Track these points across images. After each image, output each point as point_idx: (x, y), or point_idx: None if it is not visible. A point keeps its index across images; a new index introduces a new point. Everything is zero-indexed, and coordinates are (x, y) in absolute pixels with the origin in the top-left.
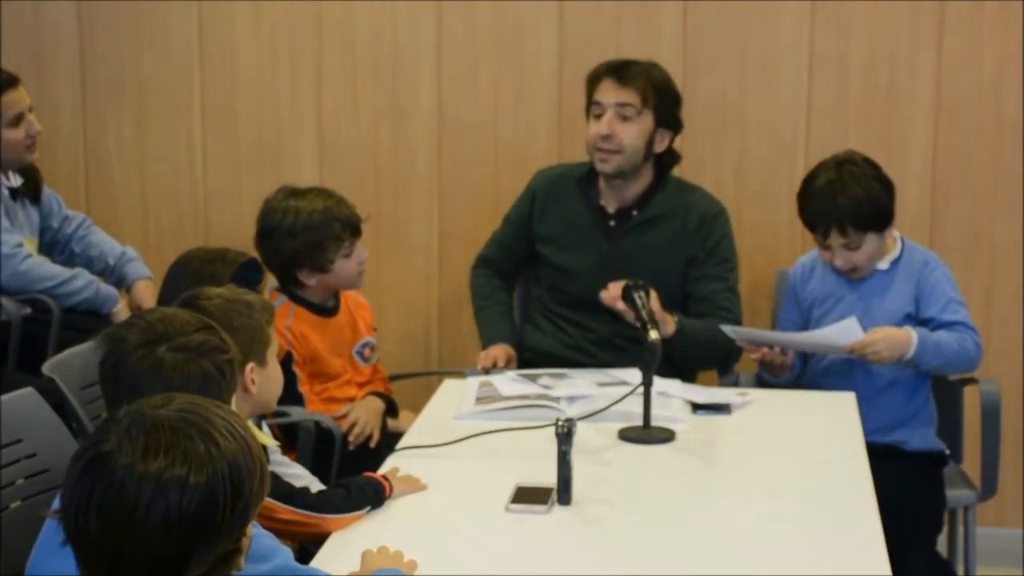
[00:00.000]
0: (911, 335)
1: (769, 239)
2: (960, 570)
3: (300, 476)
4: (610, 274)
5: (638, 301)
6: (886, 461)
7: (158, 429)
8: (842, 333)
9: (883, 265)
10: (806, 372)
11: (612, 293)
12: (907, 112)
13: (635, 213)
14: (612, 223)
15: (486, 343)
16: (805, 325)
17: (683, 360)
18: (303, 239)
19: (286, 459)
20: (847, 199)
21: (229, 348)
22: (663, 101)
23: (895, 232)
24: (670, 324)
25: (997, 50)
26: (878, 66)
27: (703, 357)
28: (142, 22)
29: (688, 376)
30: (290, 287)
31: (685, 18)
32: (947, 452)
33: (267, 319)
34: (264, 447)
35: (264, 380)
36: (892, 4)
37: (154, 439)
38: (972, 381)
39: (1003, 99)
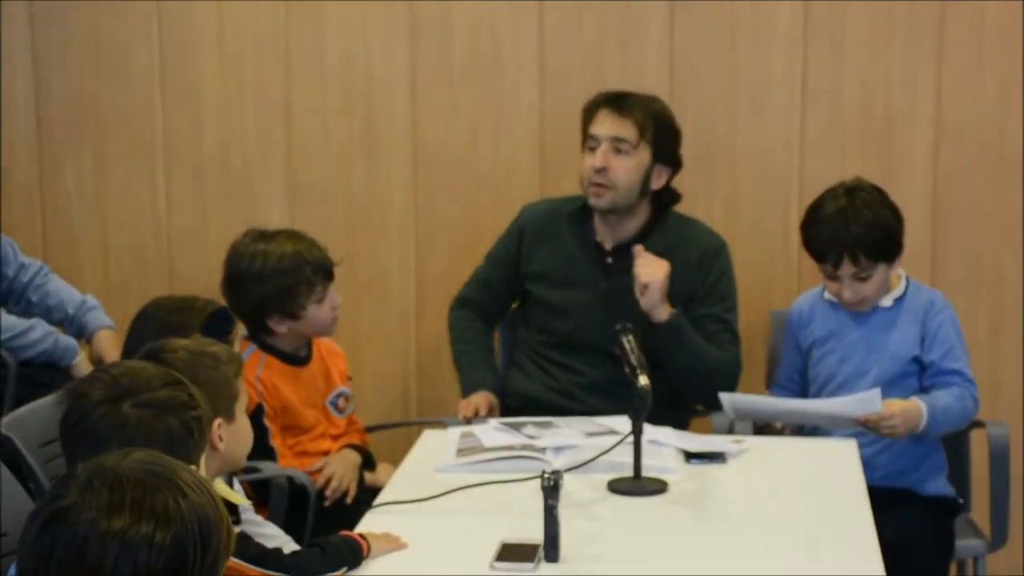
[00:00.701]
0: (922, 409)
1: (763, 278)
2: None
3: (273, 536)
4: (607, 312)
5: (626, 345)
6: (897, 506)
7: (121, 482)
8: (861, 404)
9: (886, 302)
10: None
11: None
12: (906, 140)
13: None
14: (609, 260)
15: (467, 391)
16: (804, 367)
17: (666, 361)
18: (273, 284)
19: (259, 518)
20: (860, 227)
21: (198, 404)
22: (661, 136)
23: (900, 270)
24: (665, 312)
25: (999, 74)
26: (875, 93)
27: (687, 370)
28: (101, 55)
29: (680, 419)
30: (260, 335)
31: (671, 46)
32: (960, 501)
33: (235, 371)
34: (235, 506)
35: (232, 436)
36: (889, 28)
37: (118, 493)
38: (979, 424)
39: (1006, 124)
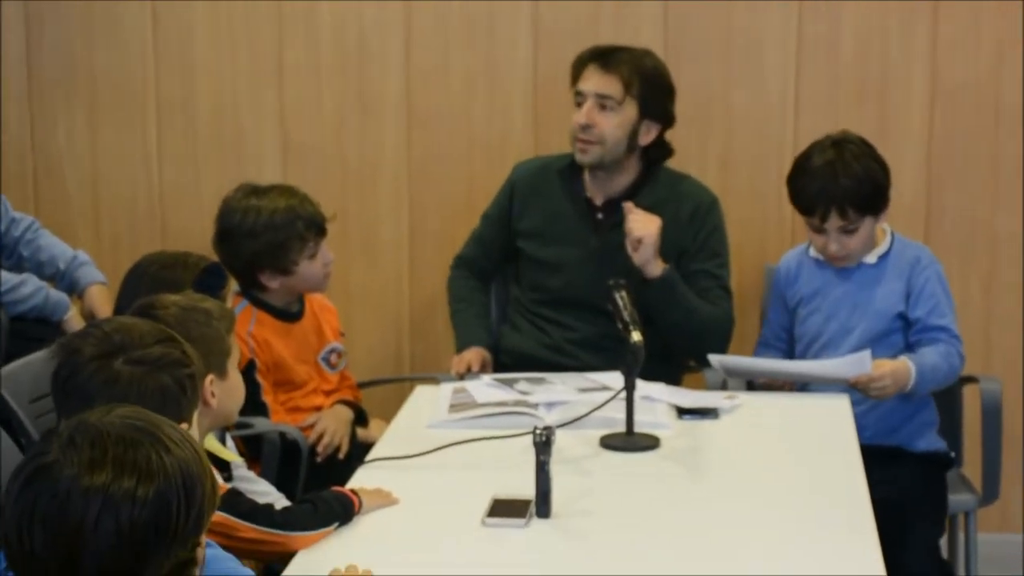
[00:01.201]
0: (911, 369)
1: (757, 234)
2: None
3: (265, 493)
4: (598, 268)
5: (619, 301)
6: (889, 463)
7: (103, 438)
8: (852, 366)
9: (870, 259)
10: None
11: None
12: (901, 100)
13: (631, 205)
14: (600, 216)
15: (460, 347)
16: (791, 324)
17: (658, 317)
18: (264, 239)
19: (251, 474)
20: (848, 179)
21: (191, 362)
22: (650, 91)
23: (885, 225)
24: (658, 267)
25: (995, 33)
26: (870, 52)
27: (680, 326)
28: (93, 13)
29: (673, 375)
30: (252, 291)
31: (666, 5)
32: (952, 455)
33: (227, 327)
34: (227, 463)
35: (224, 392)
36: None
37: (99, 449)
38: (972, 380)
39: (1002, 84)
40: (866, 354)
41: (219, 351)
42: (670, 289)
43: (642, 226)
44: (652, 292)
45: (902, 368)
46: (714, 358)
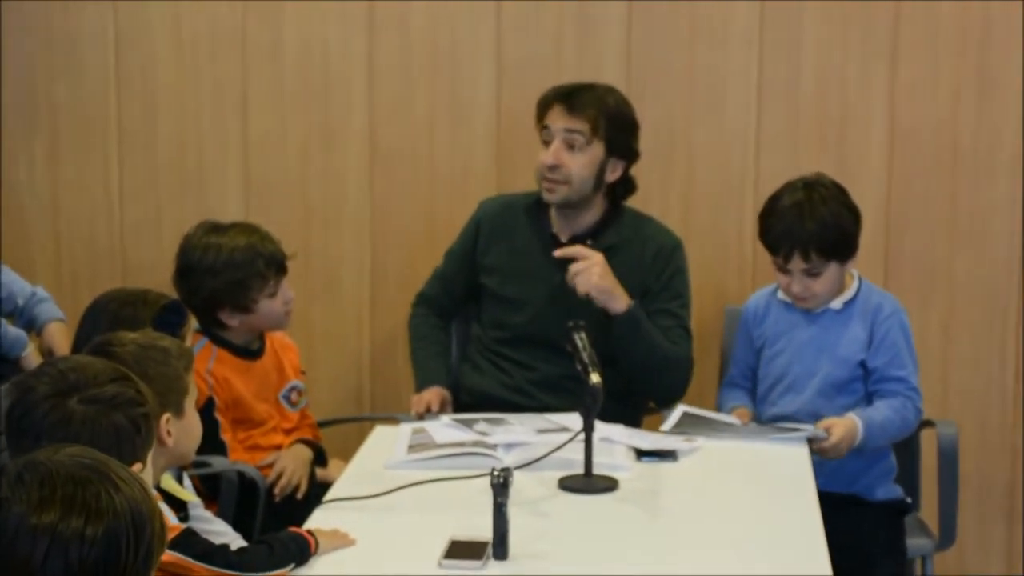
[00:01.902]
0: (858, 425)
1: (717, 276)
2: None
3: (221, 533)
4: (561, 305)
5: (579, 342)
6: (847, 511)
7: (52, 477)
8: (804, 436)
9: (836, 305)
10: (762, 421)
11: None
12: (860, 140)
13: (589, 243)
14: None
15: (420, 386)
16: (756, 365)
17: (621, 352)
18: (224, 278)
19: (208, 514)
20: (815, 222)
21: (145, 401)
22: (615, 130)
23: (853, 271)
24: (622, 302)
25: (953, 76)
26: (829, 93)
27: (642, 363)
28: (55, 45)
29: (633, 416)
30: (212, 328)
31: (629, 41)
32: (908, 500)
33: (185, 366)
34: (184, 502)
35: (181, 431)
36: (844, 28)
37: (48, 488)
38: (929, 424)
39: (959, 126)
40: (820, 432)
41: (176, 390)
42: (634, 324)
43: (583, 281)
44: (616, 326)
45: (851, 426)
46: (682, 408)
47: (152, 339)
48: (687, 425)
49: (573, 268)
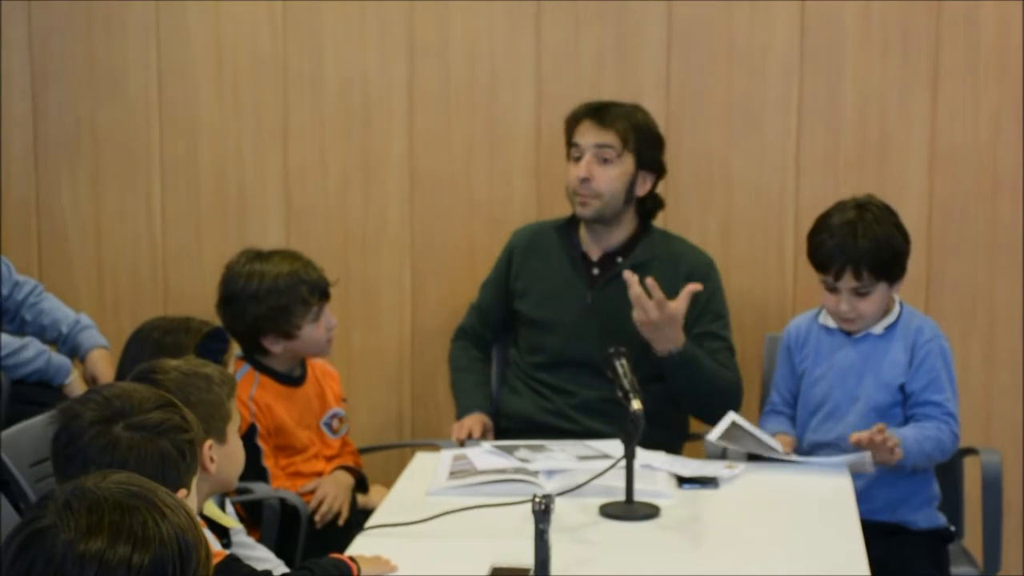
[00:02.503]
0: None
1: (759, 302)
2: None
3: (263, 559)
4: (595, 324)
5: (619, 369)
6: (890, 539)
7: (100, 504)
8: (852, 465)
9: (877, 329)
10: (802, 448)
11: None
12: (900, 165)
13: (620, 260)
14: (595, 271)
15: (461, 413)
16: (797, 391)
17: (675, 386)
18: (268, 304)
19: (250, 540)
20: (868, 240)
21: (190, 427)
22: (644, 143)
23: (896, 295)
24: (680, 341)
25: (993, 100)
26: (870, 117)
27: (698, 395)
28: (98, 72)
29: (674, 441)
30: (254, 355)
31: (668, 69)
32: (952, 529)
33: (227, 393)
34: (226, 529)
35: (224, 458)
36: (884, 53)
37: (96, 515)
38: (972, 451)
39: (1000, 151)
40: (867, 455)
41: (219, 416)
42: (687, 364)
43: (663, 341)
44: (667, 365)
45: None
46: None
47: (195, 366)
48: (734, 436)
49: (647, 326)
